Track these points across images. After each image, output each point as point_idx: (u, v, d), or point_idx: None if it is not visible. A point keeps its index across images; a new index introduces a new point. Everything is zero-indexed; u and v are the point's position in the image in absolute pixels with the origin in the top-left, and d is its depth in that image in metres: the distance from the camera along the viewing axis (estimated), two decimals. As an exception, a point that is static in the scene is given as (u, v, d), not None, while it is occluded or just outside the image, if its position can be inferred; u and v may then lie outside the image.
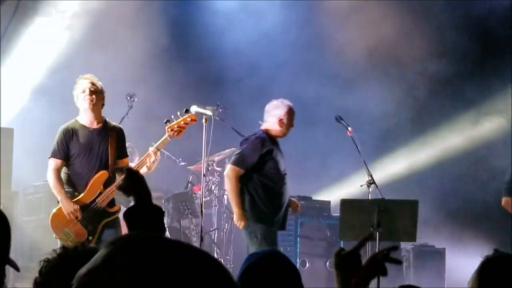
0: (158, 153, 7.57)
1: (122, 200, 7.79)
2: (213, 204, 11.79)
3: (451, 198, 13.49)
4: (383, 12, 13.48)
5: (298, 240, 10.84)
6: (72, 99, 7.82)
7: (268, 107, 8.66)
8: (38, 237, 10.16)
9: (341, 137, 10.11)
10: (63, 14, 12.63)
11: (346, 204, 8.31)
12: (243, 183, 8.38)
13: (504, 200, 9.58)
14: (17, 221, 10.33)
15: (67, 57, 12.46)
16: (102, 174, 7.60)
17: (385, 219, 8.01)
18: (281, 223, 8.56)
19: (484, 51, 13.67)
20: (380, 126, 13.60)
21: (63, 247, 2.91)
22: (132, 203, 3.15)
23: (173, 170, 12.01)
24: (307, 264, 10.77)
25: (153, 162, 7.50)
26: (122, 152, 7.85)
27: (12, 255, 2.99)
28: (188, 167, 11.82)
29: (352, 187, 11.33)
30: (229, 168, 8.43)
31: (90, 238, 7.42)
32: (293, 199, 9.06)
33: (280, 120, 8.52)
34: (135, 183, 3.21)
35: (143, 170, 7.39)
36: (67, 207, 7.43)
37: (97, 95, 7.67)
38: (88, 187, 7.51)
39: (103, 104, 7.78)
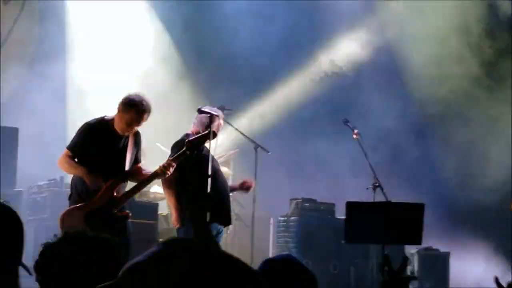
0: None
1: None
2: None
3: (456, 202, 13.49)
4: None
5: (301, 242, 10.82)
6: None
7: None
8: (41, 237, 10.14)
9: (347, 138, 10.13)
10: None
11: (352, 206, 8.28)
12: None
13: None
14: (21, 220, 10.28)
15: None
16: (117, 180, 7.52)
17: (390, 222, 7.98)
18: None
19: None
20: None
21: (65, 232, 2.91)
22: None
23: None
24: (311, 267, 10.74)
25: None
26: (137, 157, 7.78)
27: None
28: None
29: (357, 189, 11.30)
30: None
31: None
32: None
33: None
34: None
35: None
36: (93, 179, 7.32)
37: None
38: (101, 191, 7.41)
39: None
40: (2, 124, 11.31)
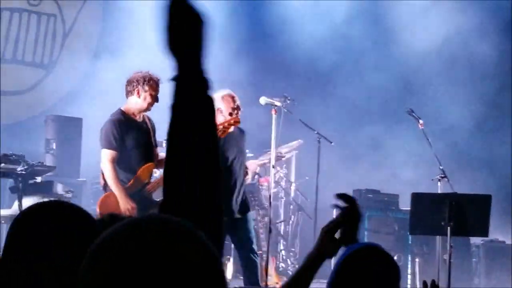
0: None
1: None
2: (279, 196, 11.71)
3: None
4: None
5: (366, 234, 10.71)
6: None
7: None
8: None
9: (411, 129, 10.02)
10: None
11: (417, 198, 8.15)
12: None
13: None
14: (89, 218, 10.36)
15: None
16: (150, 165, 7.68)
17: (456, 213, 7.83)
18: None
19: None
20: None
21: (101, 216, 2.89)
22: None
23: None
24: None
25: None
26: (156, 142, 7.99)
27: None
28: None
29: (422, 180, 11.17)
30: None
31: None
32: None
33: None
34: None
35: None
36: (126, 203, 7.45)
37: None
38: (136, 177, 7.56)
39: None
40: (67, 115, 11.43)
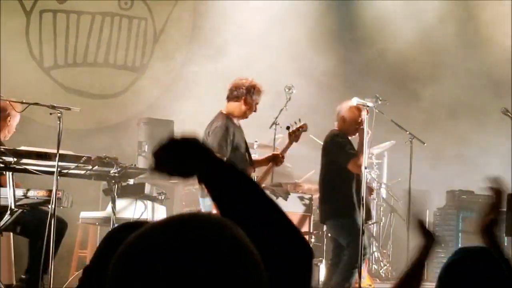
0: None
1: None
2: (371, 198, 11.59)
3: None
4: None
5: (460, 235, 10.53)
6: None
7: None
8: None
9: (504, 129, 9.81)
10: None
11: (513, 198, 7.95)
12: None
13: None
14: (176, 212, 10.45)
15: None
16: (249, 170, 7.85)
17: (555, 215, 7.63)
18: None
19: None
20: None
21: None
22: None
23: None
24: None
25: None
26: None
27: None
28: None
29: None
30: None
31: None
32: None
33: None
34: None
35: None
36: None
37: None
38: None
39: None
40: (158, 117, 11.53)
